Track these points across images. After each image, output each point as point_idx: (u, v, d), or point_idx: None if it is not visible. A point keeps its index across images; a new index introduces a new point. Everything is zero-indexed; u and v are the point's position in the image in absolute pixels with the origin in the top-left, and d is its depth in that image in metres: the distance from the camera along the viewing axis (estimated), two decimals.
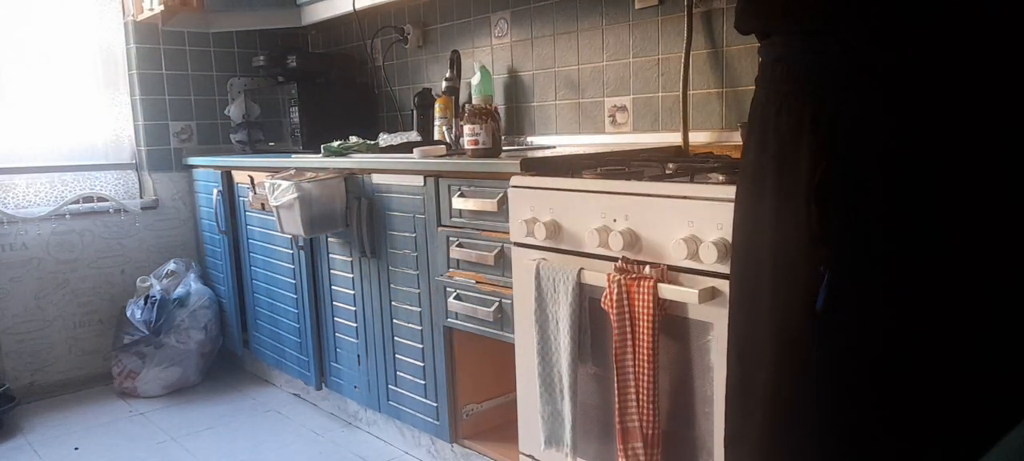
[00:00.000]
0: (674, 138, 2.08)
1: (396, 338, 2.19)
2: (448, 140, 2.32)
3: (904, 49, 0.73)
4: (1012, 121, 0.70)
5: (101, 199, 3.09)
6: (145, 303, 2.90)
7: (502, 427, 2.10)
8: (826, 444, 0.81)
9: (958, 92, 0.71)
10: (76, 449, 2.48)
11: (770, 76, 0.86)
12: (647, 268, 1.41)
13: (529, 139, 2.52)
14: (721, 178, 1.39)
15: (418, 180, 2.00)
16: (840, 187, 0.76)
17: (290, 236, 2.49)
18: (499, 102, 2.59)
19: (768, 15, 0.86)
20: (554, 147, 2.30)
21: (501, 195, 1.77)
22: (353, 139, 2.50)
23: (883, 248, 0.75)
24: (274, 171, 2.47)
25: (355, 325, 2.36)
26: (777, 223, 0.83)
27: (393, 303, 2.17)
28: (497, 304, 1.83)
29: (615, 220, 1.49)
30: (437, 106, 2.59)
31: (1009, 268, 0.72)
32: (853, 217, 0.76)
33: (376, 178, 2.15)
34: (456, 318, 1.96)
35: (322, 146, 2.45)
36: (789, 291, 0.82)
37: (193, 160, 3.15)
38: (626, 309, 1.42)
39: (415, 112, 2.73)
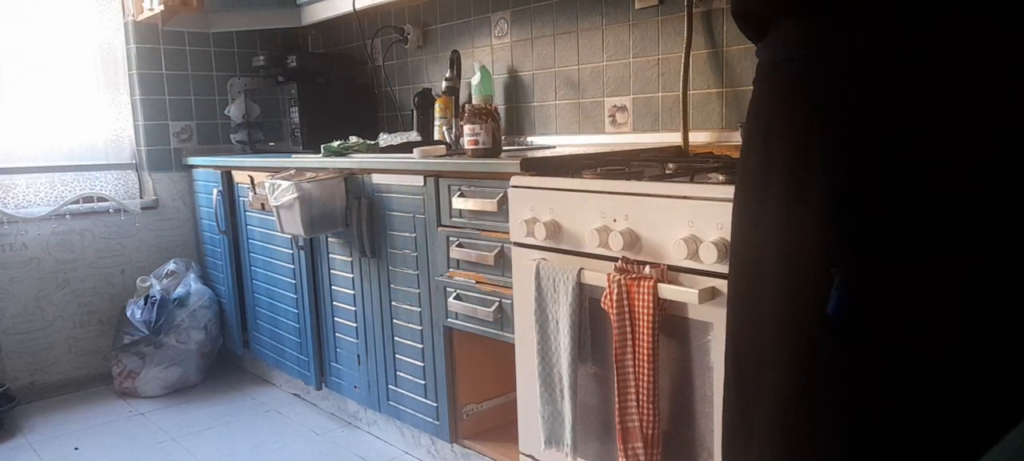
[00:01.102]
0: (674, 138, 2.08)
1: (396, 338, 2.19)
2: (448, 140, 2.32)
3: (921, 47, 0.71)
4: None
5: (101, 199, 3.09)
6: (145, 303, 2.90)
7: (502, 427, 2.10)
8: (836, 453, 0.80)
9: (986, 91, 0.70)
10: (76, 449, 2.48)
11: (773, 77, 0.84)
12: (647, 268, 1.41)
13: (529, 139, 2.52)
14: (721, 178, 1.39)
15: (418, 180, 2.00)
16: (858, 189, 0.74)
17: (290, 236, 2.49)
18: (499, 102, 2.59)
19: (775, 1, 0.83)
20: (554, 147, 2.30)
21: (501, 195, 1.77)
22: (353, 139, 2.50)
23: (901, 249, 0.73)
24: (274, 171, 2.47)
25: (355, 325, 2.36)
26: (786, 228, 0.81)
27: (393, 303, 2.17)
28: (497, 304, 1.83)
29: (615, 220, 1.49)
30: (437, 106, 2.59)
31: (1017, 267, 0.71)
32: (871, 219, 0.74)
33: (376, 178, 2.15)
34: (456, 318, 1.96)
35: (322, 146, 2.45)
36: (799, 298, 0.80)
37: (193, 160, 3.15)
38: (626, 309, 1.42)
39: (415, 112, 2.73)
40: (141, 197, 3.21)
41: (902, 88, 0.73)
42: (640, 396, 1.43)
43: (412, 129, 2.68)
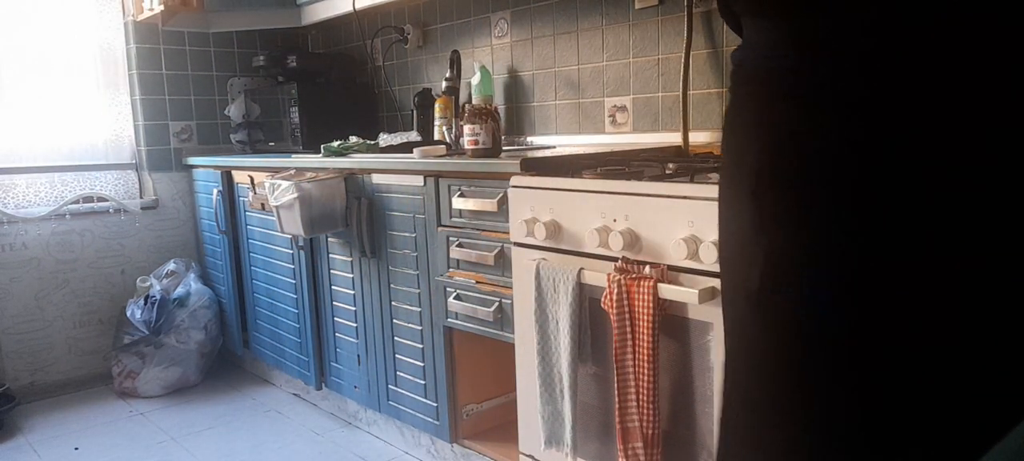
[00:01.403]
0: (674, 138, 2.08)
1: (396, 338, 2.19)
2: (448, 140, 2.32)
3: (915, 47, 0.72)
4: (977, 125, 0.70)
5: (101, 199, 3.09)
6: (145, 303, 2.90)
7: (502, 427, 2.10)
8: (793, 437, 0.81)
9: (980, 92, 0.71)
10: (76, 449, 2.48)
11: (734, 78, 0.89)
12: (647, 268, 1.41)
13: (529, 139, 2.52)
14: None
15: (418, 180, 2.00)
16: (774, 179, 0.78)
17: (290, 236, 2.49)
18: (499, 102, 2.59)
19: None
20: (554, 147, 2.30)
21: (501, 195, 1.77)
22: (353, 139, 2.50)
23: (816, 238, 0.76)
24: (274, 171, 2.47)
25: (355, 325, 2.36)
26: (732, 218, 0.86)
27: (393, 303, 2.17)
28: (497, 304, 1.83)
29: (615, 220, 1.49)
30: (437, 106, 2.59)
31: (987, 267, 0.71)
32: (786, 209, 0.77)
33: (376, 178, 2.15)
34: (456, 318, 1.96)
35: (322, 146, 2.45)
36: (738, 282, 0.85)
37: (193, 160, 3.15)
38: (626, 309, 1.42)
39: (415, 112, 2.73)
40: (141, 197, 3.21)
41: (894, 87, 0.73)
42: (640, 396, 1.43)
43: (412, 129, 2.68)
